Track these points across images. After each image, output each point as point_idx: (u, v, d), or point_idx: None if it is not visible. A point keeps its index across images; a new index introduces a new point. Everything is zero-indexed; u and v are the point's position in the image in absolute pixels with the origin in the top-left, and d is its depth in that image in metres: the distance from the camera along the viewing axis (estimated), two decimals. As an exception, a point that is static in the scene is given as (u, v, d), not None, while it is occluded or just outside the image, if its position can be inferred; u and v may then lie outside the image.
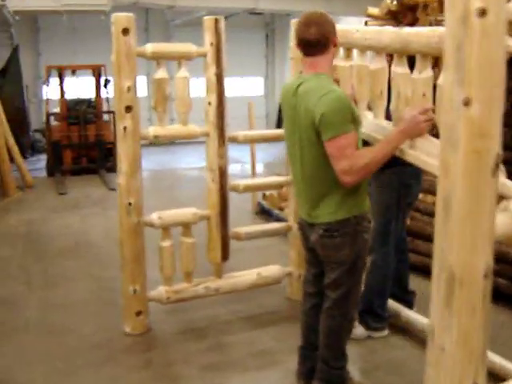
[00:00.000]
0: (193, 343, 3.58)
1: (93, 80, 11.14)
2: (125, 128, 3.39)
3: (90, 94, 11.55)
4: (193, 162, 11.49)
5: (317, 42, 2.56)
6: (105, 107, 11.00)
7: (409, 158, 2.65)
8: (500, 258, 4.32)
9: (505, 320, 3.91)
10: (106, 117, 10.90)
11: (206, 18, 3.59)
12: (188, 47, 3.54)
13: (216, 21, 3.55)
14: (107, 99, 10.96)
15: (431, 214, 5.00)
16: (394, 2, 6.71)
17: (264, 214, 6.88)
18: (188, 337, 3.66)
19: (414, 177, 3.60)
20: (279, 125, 16.62)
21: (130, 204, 3.46)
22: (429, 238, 5.00)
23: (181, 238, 3.73)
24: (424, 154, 2.56)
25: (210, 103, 3.64)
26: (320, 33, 2.54)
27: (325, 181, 2.60)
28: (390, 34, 2.72)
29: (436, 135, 2.38)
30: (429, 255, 4.93)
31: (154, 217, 3.57)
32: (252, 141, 3.86)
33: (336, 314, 2.75)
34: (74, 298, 4.36)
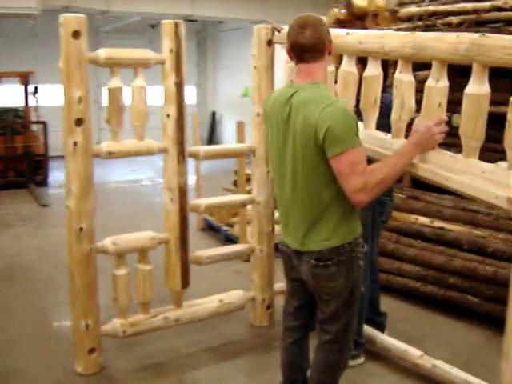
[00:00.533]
0: (153, 381, 3.22)
1: (20, 88, 10.48)
2: (75, 143, 3.00)
3: (18, 103, 10.87)
4: (125, 174, 11.01)
5: (312, 46, 2.31)
6: (34, 117, 10.36)
7: (421, 173, 2.45)
8: (469, 274, 4.18)
9: (479, 341, 3.75)
10: (35, 127, 10.26)
11: (164, 21, 3.26)
12: (146, 54, 3.20)
13: (176, 25, 3.23)
14: (36, 108, 10.34)
15: (392, 231, 4.84)
16: (343, 11, 6.56)
17: (211, 230, 6.53)
18: (147, 374, 3.30)
19: (387, 194, 3.41)
20: (212, 136, 16.32)
21: (81, 229, 3.07)
22: (391, 255, 4.87)
23: (137, 264, 3.36)
24: (437, 167, 2.37)
25: (168, 115, 3.31)
26: (316, 36, 2.29)
27: (320, 204, 2.34)
28: (401, 37, 2.46)
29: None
30: (392, 272, 4.81)
31: (107, 243, 3.19)
32: (214, 156, 3.54)
33: (335, 347, 2.49)
34: (14, 334, 3.85)
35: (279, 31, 3.55)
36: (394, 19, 5.92)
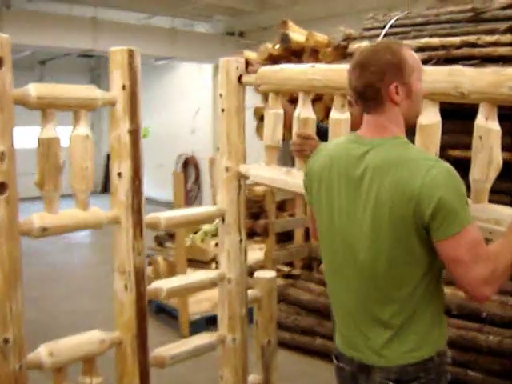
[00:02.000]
0: None
1: None
2: (-6, 219, 2.08)
3: None
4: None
5: (362, 92, 1.71)
6: None
7: None
8: (468, 345, 3.60)
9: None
10: None
11: (114, 49, 2.44)
12: (91, 92, 2.35)
13: (130, 54, 2.42)
14: None
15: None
16: (277, 46, 5.99)
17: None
18: None
19: None
20: (106, 182, 15.11)
21: (6, 342, 2.12)
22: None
23: (81, 378, 2.44)
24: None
25: (119, 174, 2.46)
26: (366, 80, 1.69)
27: (408, 299, 1.67)
28: (489, 75, 1.80)
29: None
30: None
31: (42, 354, 2.25)
32: (177, 225, 2.73)
33: None
34: None
35: (252, 66, 2.85)
36: (339, 55, 5.40)
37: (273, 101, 2.65)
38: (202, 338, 2.97)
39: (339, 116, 2.28)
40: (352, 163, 1.73)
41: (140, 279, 2.51)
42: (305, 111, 2.44)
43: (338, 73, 2.27)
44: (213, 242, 5.56)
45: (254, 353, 3.20)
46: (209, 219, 2.94)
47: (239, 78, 2.83)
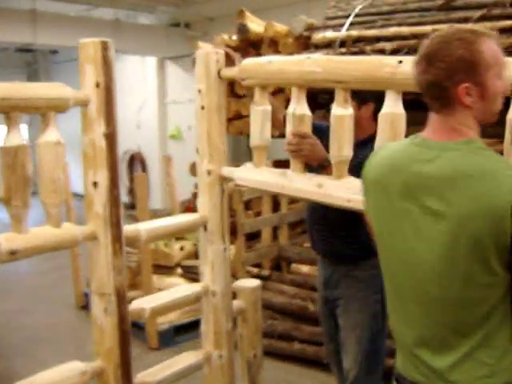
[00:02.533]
0: None
1: None
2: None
3: None
4: None
5: (428, 90, 1.50)
6: None
7: None
8: None
9: None
10: None
11: (84, 41, 2.15)
12: (60, 90, 2.05)
13: (104, 45, 2.12)
14: None
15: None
16: (234, 37, 5.73)
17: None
18: None
19: None
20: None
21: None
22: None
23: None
24: None
25: (95, 184, 2.17)
26: (432, 76, 1.48)
27: (481, 322, 1.48)
28: None
29: None
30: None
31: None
32: (158, 238, 2.46)
33: None
34: None
35: (233, 60, 2.61)
36: (301, 46, 5.19)
37: (260, 96, 2.41)
38: (187, 358, 2.71)
39: (342, 112, 2.06)
40: (417, 171, 1.50)
41: (121, 300, 2.25)
42: (300, 107, 2.21)
43: (340, 64, 2.05)
44: (177, 246, 5.27)
45: (239, 366, 2.97)
46: (192, 228, 2.67)
47: (219, 72, 2.59)
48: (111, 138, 2.17)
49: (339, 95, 2.07)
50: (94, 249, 2.20)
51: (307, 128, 2.23)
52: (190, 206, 5.69)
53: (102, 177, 2.16)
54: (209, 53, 2.57)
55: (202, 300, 2.71)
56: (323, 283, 2.97)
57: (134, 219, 4.68)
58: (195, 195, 5.64)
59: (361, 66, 1.97)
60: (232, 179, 2.59)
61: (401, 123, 1.94)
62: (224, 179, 2.63)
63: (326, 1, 5.49)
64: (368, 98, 2.63)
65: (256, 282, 3.00)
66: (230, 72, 2.56)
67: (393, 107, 1.94)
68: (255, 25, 5.57)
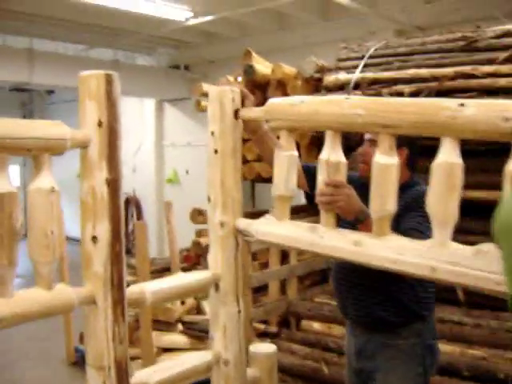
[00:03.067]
0: None
1: None
2: None
3: None
4: None
5: None
6: None
7: None
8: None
9: None
10: None
11: (86, 74, 1.86)
12: (58, 128, 1.75)
13: (108, 79, 1.84)
14: None
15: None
16: (239, 79, 5.51)
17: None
18: None
19: (433, 331, 2.31)
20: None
21: None
22: None
23: None
24: None
25: (95, 239, 1.85)
26: None
27: None
28: None
29: None
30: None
31: None
32: (165, 299, 2.13)
33: None
34: None
35: (251, 100, 2.36)
36: (311, 89, 4.96)
37: (286, 141, 2.12)
38: None
39: (387, 160, 1.77)
40: None
41: (123, 375, 1.90)
42: (335, 154, 1.93)
43: (388, 107, 1.77)
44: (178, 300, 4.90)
45: None
46: (203, 288, 2.34)
47: (235, 112, 2.30)
48: (114, 184, 1.87)
49: (384, 141, 1.78)
50: (91, 314, 1.87)
51: (342, 177, 1.94)
52: (189, 256, 5.36)
53: (103, 230, 1.84)
54: (224, 90, 2.29)
55: (212, 369, 2.37)
56: (355, 353, 2.57)
57: (129, 267, 4.34)
58: (196, 244, 5.32)
59: (416, 109, 1.68)
60: (249, 233, 2.27)
61: (458, 174, 1.65)
62: (239, 233, 2.32)
63: (331, 44, 5.29)
64: (402, 143, 2.33)
65: (272, 347, 2.65)
66: (250, 113, 2.29)
67: (450, 156, 1.64)
68: (262, 66, 5.35)
